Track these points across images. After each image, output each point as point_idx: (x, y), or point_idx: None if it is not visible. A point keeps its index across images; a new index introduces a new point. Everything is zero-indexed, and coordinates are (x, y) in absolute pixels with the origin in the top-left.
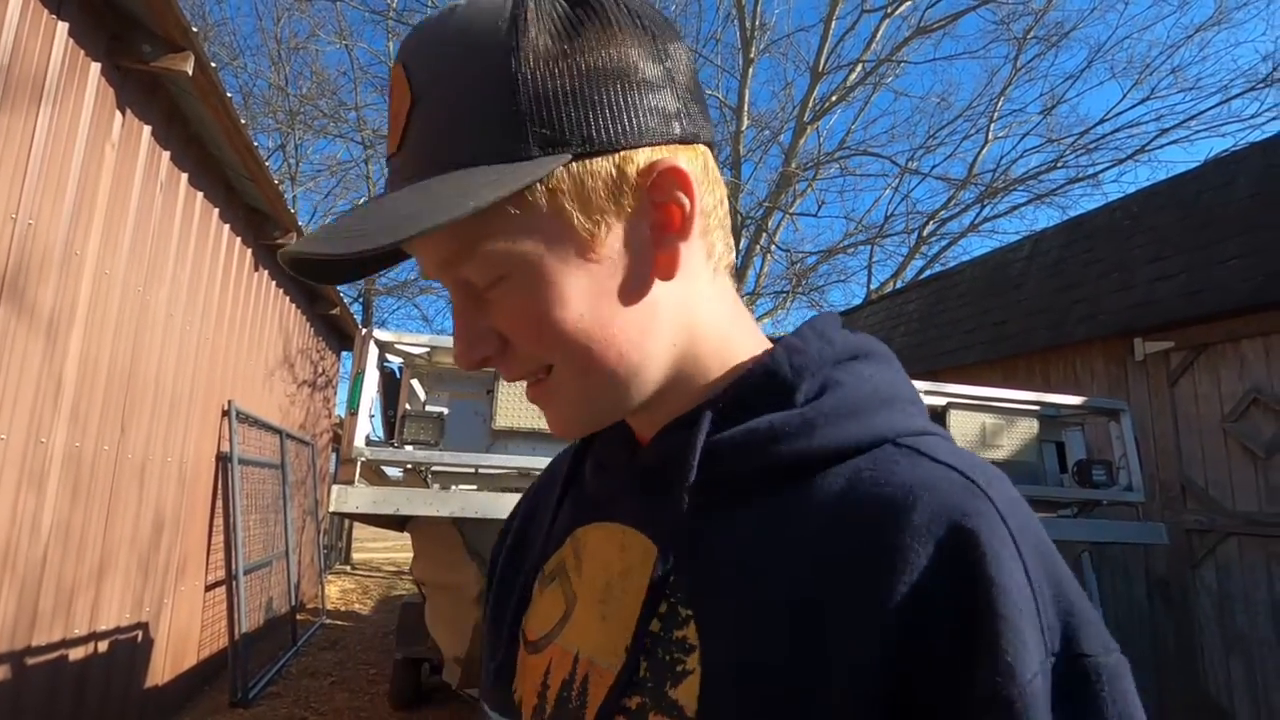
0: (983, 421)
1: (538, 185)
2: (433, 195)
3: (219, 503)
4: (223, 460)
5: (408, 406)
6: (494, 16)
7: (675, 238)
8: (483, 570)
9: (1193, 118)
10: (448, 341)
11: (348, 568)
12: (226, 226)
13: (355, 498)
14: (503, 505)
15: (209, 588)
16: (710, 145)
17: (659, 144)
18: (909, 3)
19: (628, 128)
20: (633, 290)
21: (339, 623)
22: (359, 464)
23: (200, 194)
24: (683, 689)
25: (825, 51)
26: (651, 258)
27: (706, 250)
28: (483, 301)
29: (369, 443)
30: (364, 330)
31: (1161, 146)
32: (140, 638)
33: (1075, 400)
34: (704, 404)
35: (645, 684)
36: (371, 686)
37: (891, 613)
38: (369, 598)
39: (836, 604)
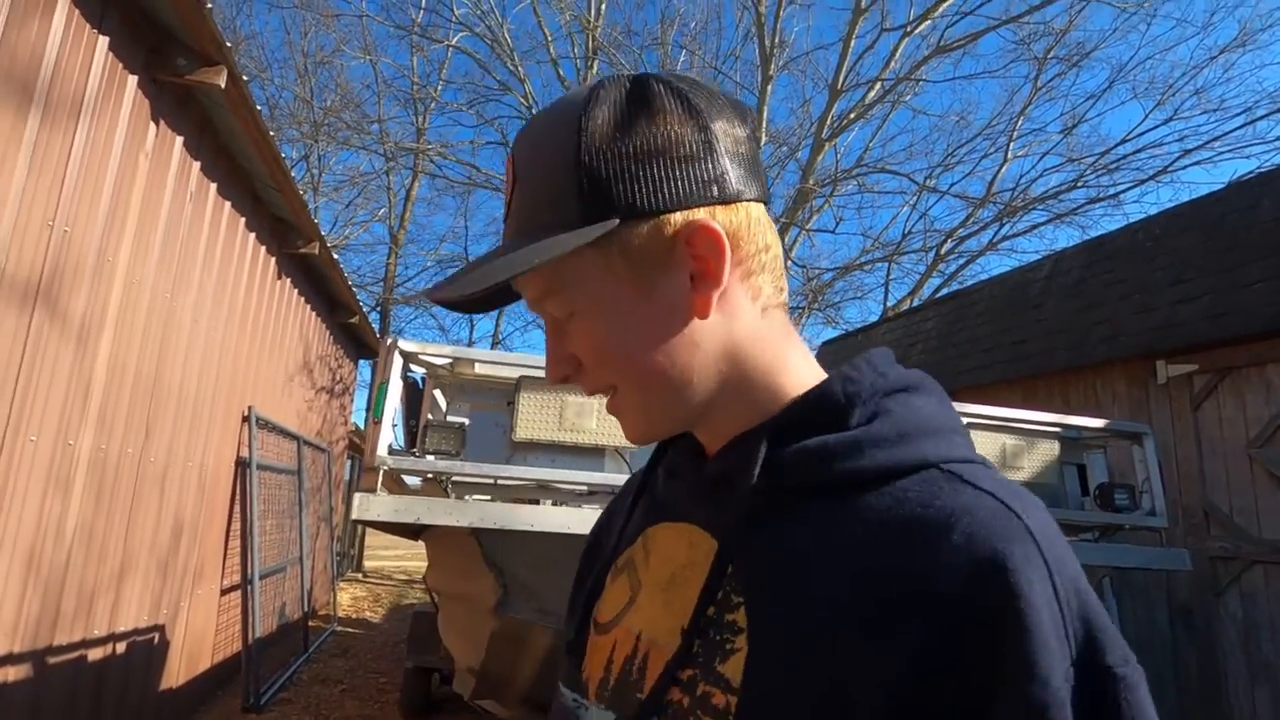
0: (1003, 442)
1: (592, 244)
2: (515, 256)
3: (236, 507)
4: (241, 465)
5: (429, 416)
6: (573, 113)
7: (709, 285)
8: (500, 581)
9: (1217, 139)
10: (471, 353)
11: (359, 575)
12: (252, 235)
13: (377, 506)
14: (521, 516)
15: (224, 592)
16: (761, 200)
17: (697, 206)
18: (929, 22)
19: (667, 196)
20: (673, 328)
21: (350, 630)
22: (381, 472)
23: (228, 203)
24: (730, 665)
25: (844, 69)
26: (690, 301)
27: (752, 293)
28: (563, 331)
29: (391, 451)
30: (389, 340)
31: (1184, 168)
32: (157, 640)
33: (1097, 423)
34: (766, 423)
35: (697, 659)
36: (381, 695)
37: (926, 624)
38: (380, 606)
39: (874, 609)
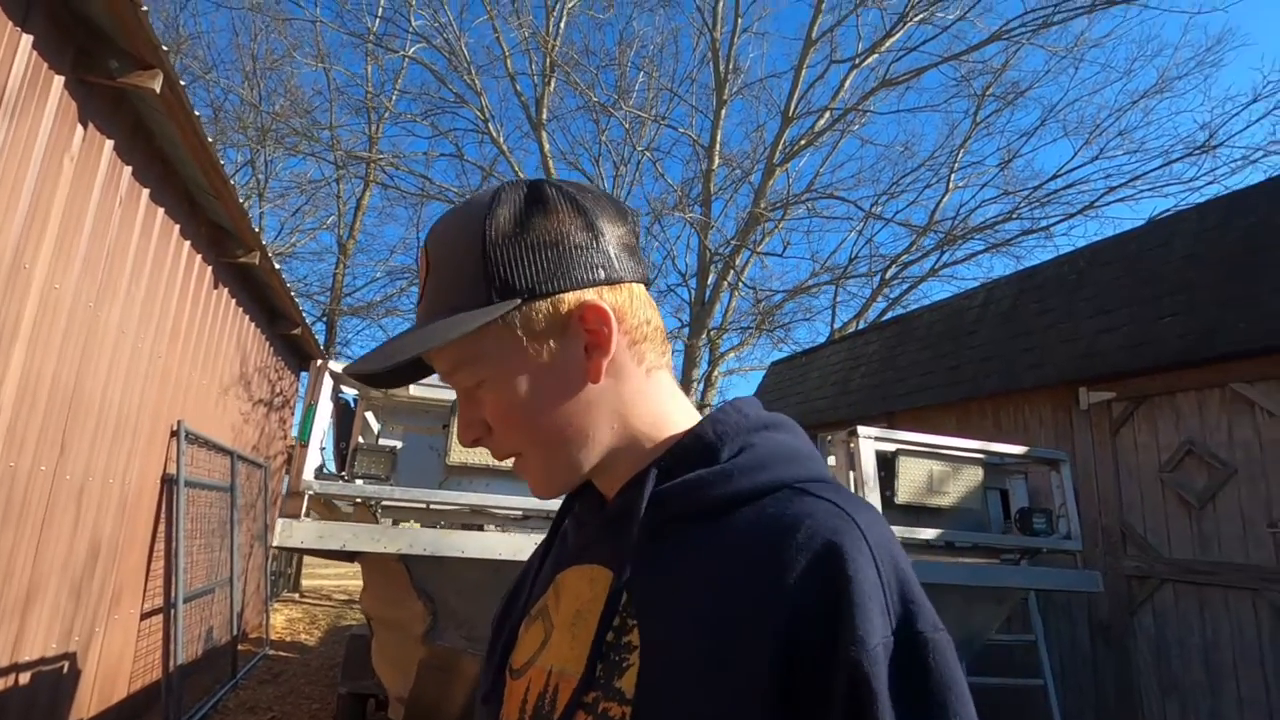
0: (930, 469)
1: (498, 320)
2: (428, 331)
3: (161, 527)
4: (168, 482)
5: (360, 439)
6: (479, 213)
7: (600, 353)
8: (429, 607)
9: (1137, 178)
10: None
11: (296, 595)
12: (187, 243)
13: (300, 532)
14: (451, 543)
15: (145, 615)
16: (641, 281)
17: (587, 287)
18: (875, 55)
19: (561, 280)
20: (570, 392)
21: (283, 654)
22: (307, 497)
23: (161, 210)
24: (625, 678)
25: (795, 97)
26: (584, 368)
27: (637, 358)
28: (473, 399)
29: (319, 475)
30: (318, 362)
31: (1109, 204)
32: (66, 668)
33: (1019, 450)
34: (650, 465)
35: (599, 681)
36: None
37: (781, 609)
38: (316, 628)
39: (740, 606)
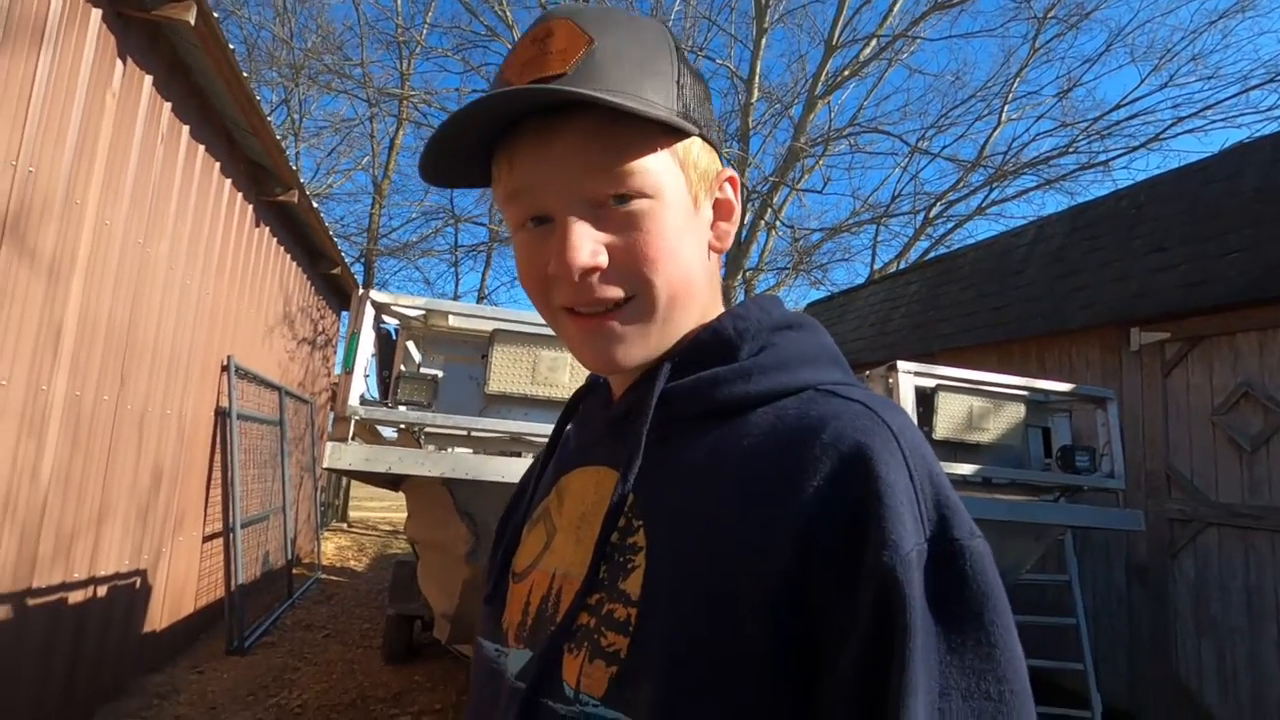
0: (970, 404)
1: (682, 143)
2: (639, 102)
3: (217, 456)
4: (221, 415)
5: (402, 368)
6: (654, 22)
7: (732, 224)
8: (472, 529)
9: (1209, 107)
10: (444, 305)
11: (344, 525)
12: (229, 181)
13: (349, 455)
14: (493, 468)
15: (206, 539)
16: None
17: (719, 154)
18: None
19: (714, 138)
20: (701, 250)
21: (334, 578)
22: (353, 422)
23: (202, 147)
24: (630, 580)
25: (840, 24)
26: (712, 234)
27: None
28: (603, 219)
29: (364, 401)
30: (360, 291)
31: (1176, 135)
32: (138, 584)
33: (1063, 387)
34: (664, 359)
35: (603, 583)
36: (364, 640)
37: (800, 512)
38: (364, 555)
39: (757, 508)
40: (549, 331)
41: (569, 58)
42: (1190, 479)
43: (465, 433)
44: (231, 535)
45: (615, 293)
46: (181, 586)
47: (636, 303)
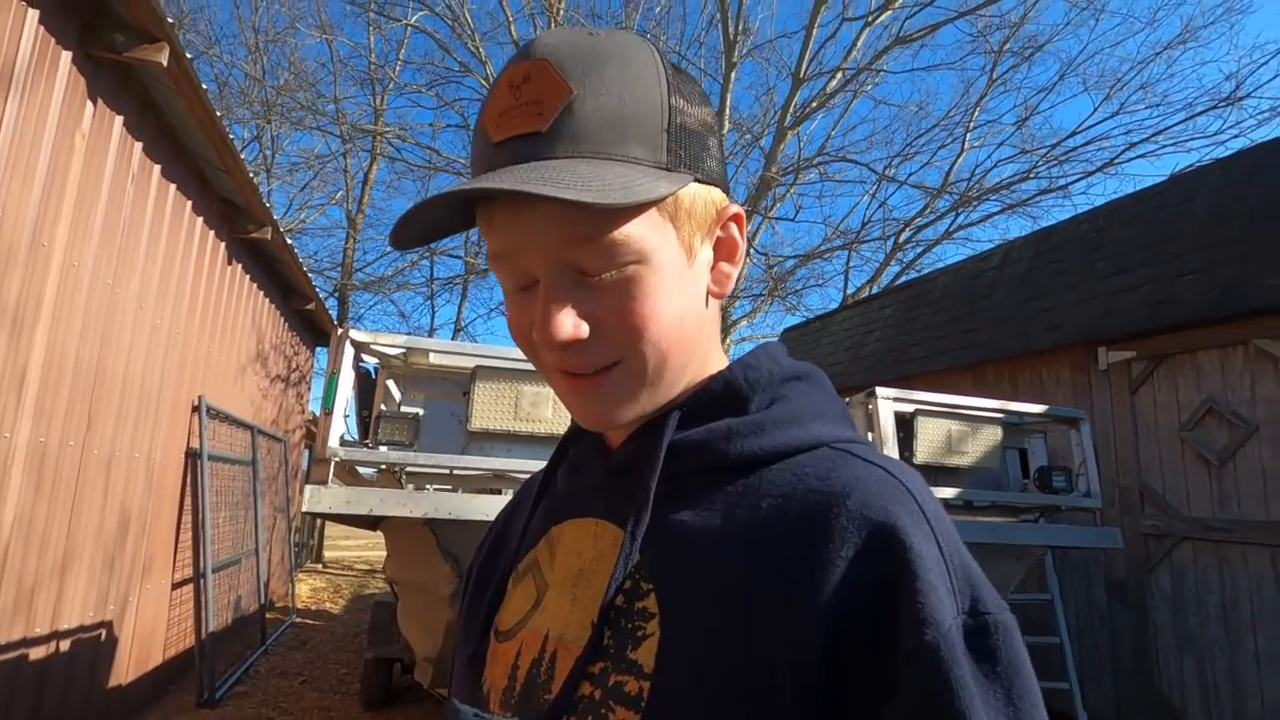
0: (949, 428)
1: (674, 195)
2: (618, 174)
3: (187, 499)
4: (192, 456)
5: (383, 407)
6: (643, 48)
7: (733, 266)
8: (456, 570)
9: (1159, 133)
10: (424, 343)
11: (319, 566)
12: (200, 219)
13: (328, 498)
14: (476, 506)
15: (176, 585)
16: None
17: (723, 187)
18: (889, 12)
19: (716, 171)
20: (698, 301)
21: (309, 621)
22: (332, 464)
23: (173, 186)
24: (642, 650)
25: (807, 58)
26: (709, 279)
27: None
28: (585, 287)
29: (343, 443)
30: (340, 329)
31: (1129, 160)
32: (104, 636)
33: (1037, 409)
34: (672, 409)
35: (608, 651)
36: (342, 686)
37: (831, 586)
38: (340, 596)
39: (784, 580)
40: (531, 367)
41: (546, 112)
42: (1163, 494)
43: (448, 471)
44: (202, 581)
45: (601, 360)
46: (149, 636)
47: (625, 367)
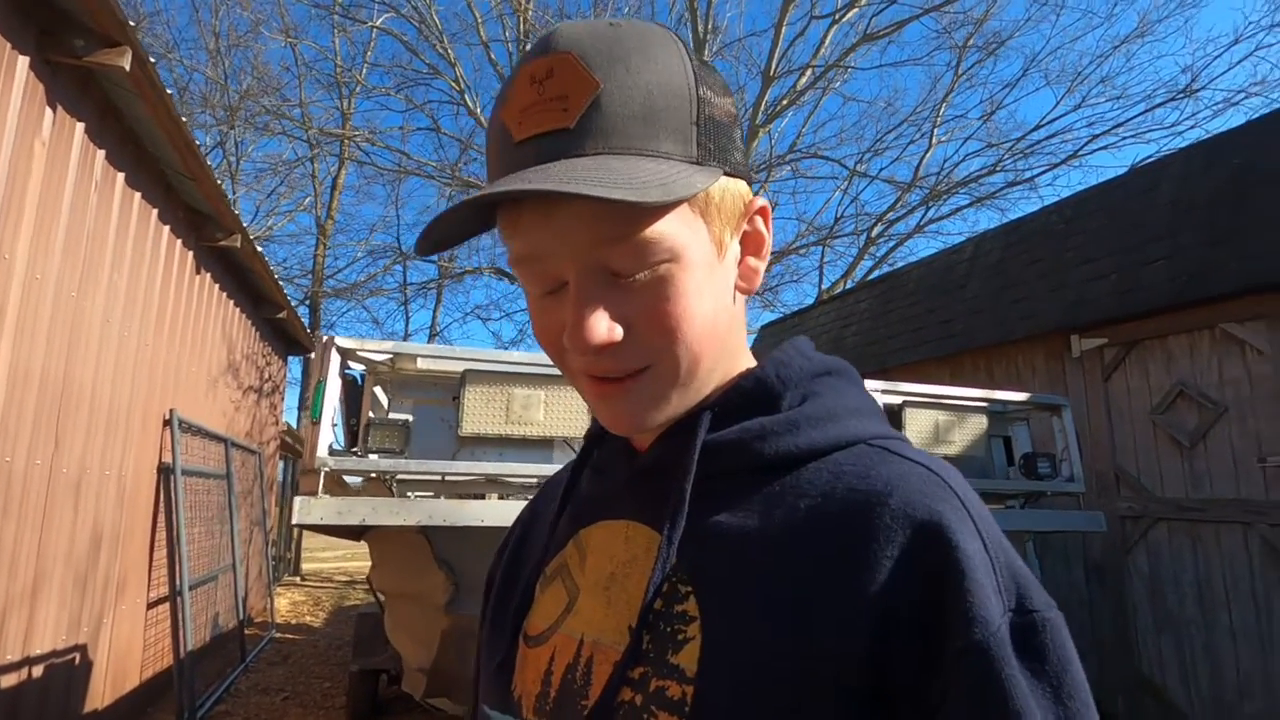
0: (936, 419)
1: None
2: (653, 170)
3: (161, 516)
4: (164, 471)
5: (371, 414)
6: (667, 39)
7: (761, 260)
8: (451, 578)
9: (1120, 124)
10: (412, 348)
11: (297, 579)
12: (166, 228)
13: (319, 509)
14: (470, 513)
15: (151, 605)
16: None
17: (748, 182)
18: (855, 10)
19: (741, 164)
20: (728, 297)
21: (290, 636)
22: (322, 474)
23: (138, 194)
24: (684, 654)
25: (776, 56)
26: (738, 274)
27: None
28: (617, 289)
29: (331, 452)
30: (324, 338)
31: (1092, 152)
32: (78, 660)
33: (1020, 396)
34: (703, 408)
35: (648, 655)
36: (326, 700)
37: (876, 586)
38: (320, 609)
39: (825, 578)
40: (521, 369)
41: (572, 108)
42: (1137, 477)
43: (440, 477)
44: (179, 599)
45: (634, 363)
46: (125, 658)
47: (656, 370)
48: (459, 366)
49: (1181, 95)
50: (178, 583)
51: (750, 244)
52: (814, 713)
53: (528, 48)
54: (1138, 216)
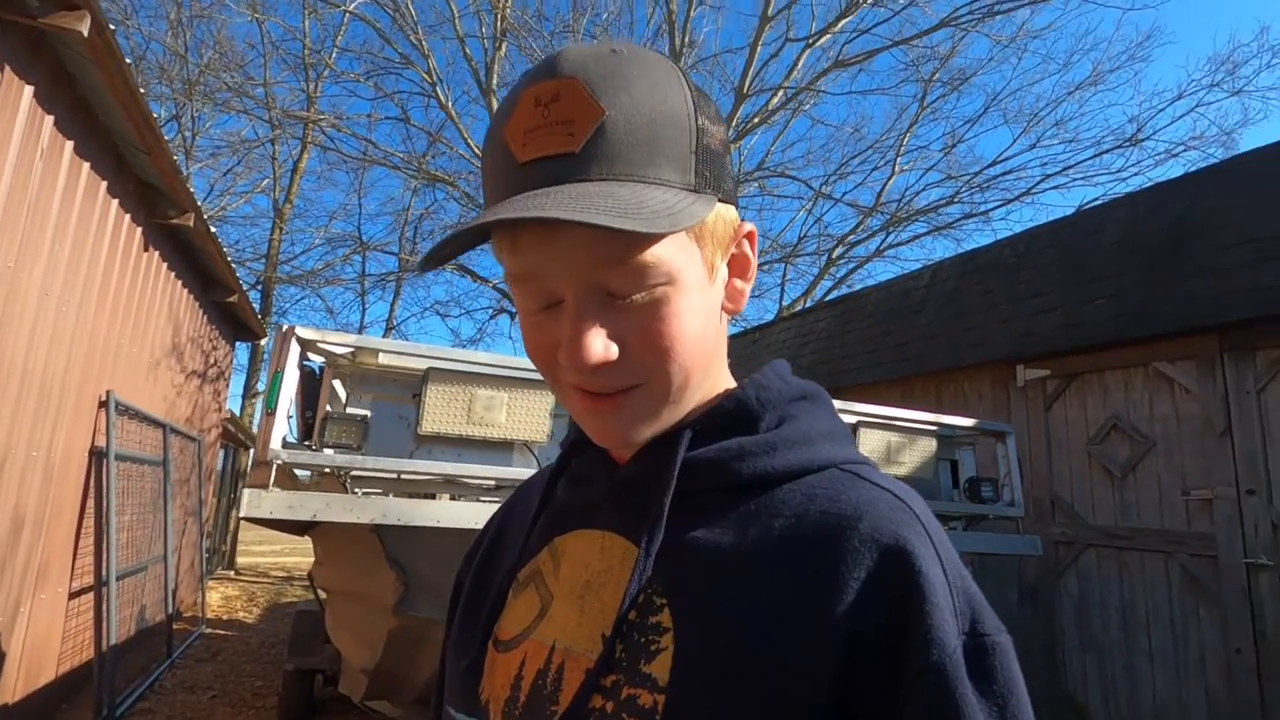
0: (888, 440)
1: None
2: (658, 198)
3: (91, 501)
4: (97, 455)
5: (329, 408)
6: (668, 68)
7: (747, 282)
8: (401, 578)
9: (1070, 167)
10: (374, 342)
11: (231, 573)
12: (115, 201)
13: (269, 503)
14: (426, 513)
15: (74, 594)
16: None
17: (735, 206)
18: (829, 36)
19: (731, 190)
20: (715, 318)
21: (221, 632)
22: (274, 467)
23: (87, 164)
24: (656, 664)
25: (750, 74)
26: (725, 295)
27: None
28: (613, 309)
29: (285, 445)
30: (285, 327)
31: (1044, 191)
32: None
33: (968, 422)
34: (684, 426)
35: (621, 664)
36: (257, 700)
37: (843, 607)
38: (255, 605)
39: (796, 596)
40: (485, 370)
41: (578, 133)
42: (1071, 504)
43: (395, 476)
44: (104, 589)
45: (626, 381)
46: (42, 649)
47: (648, 388)
48: (422, 364)
49: (1128, 143)
50: (104, 572)
51: (737, 266)
52: (783, 718)
53: (531, 66)
54: (1084, 256)
